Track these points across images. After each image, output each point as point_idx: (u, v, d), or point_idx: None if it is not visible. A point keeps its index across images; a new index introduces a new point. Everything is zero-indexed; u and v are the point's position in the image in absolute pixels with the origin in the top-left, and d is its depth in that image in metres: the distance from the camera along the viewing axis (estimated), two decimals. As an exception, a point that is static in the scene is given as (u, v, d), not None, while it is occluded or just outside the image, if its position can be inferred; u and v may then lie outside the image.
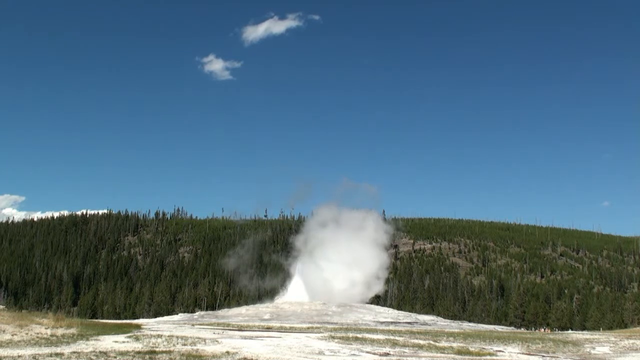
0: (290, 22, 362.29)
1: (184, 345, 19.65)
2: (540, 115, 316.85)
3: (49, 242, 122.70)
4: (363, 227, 74.93)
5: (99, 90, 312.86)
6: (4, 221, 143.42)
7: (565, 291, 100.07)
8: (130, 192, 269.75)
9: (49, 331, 20.70)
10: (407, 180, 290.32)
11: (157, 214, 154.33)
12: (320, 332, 29.70)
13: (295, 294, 66.37)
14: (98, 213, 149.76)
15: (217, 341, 21.57)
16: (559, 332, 50.11)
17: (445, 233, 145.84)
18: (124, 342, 19.84)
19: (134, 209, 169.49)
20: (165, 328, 29.06)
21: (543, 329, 61.03)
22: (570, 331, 52.37)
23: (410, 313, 61.44)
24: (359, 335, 27.55)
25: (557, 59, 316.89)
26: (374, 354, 20.33)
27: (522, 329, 63.81)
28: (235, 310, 57.17)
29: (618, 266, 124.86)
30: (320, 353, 19.75)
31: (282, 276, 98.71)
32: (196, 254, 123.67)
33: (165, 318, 55.63)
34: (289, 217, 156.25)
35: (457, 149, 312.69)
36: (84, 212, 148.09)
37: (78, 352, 16.11)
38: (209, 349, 18.71)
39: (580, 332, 49.34)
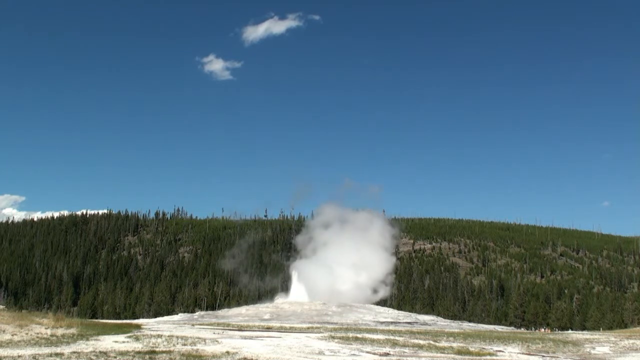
0: (290, 22, 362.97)
1: (184, 345, 19.65)
2: (540, 115, 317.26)
3: (49, 242, 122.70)
4: (369, 229, 74.26)
5: (99, 90, 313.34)
6: (4, 221, 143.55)
7: (565, 291, 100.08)
8: (130, 192, 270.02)
9: (49, 331, 20.70)
10: (407, 180, 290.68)
11: (157, 214, 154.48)
12: (320, 332, 29.70)
13: (296, 294, 66.18)
14: (98, 213, 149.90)
15: (217, 341, 21.57)
16: (559, 332, 50.11)
17: (445, 233, 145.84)
18: (124, 342, 19.84)
19: (134, 209, 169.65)
20: (165, 328, 29.06)
21: (543, 329, 61.03)
22: (570, 331, 52.37)
23: (410, 313, 61.42)
24: (359, 335, 27.54)
25: (557, 59, 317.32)
26: (374, 354, 20.33)
27: (522, 329, 63.81)
28: (235, 310, 57.17)
29: (618, 266, 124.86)
30: (320, 353, 19.75)
31: (282, 276, 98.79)
32: (196, 254, 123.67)
33: (165, 318, 55.63)
34: (289, 217, 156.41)
35: (457, 149, 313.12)
36: (84, 212, 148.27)
37: (78, 352, 16.10)
38: (209, 349, 18.71)
39: (580, 332, 49.34)
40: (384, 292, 72.54)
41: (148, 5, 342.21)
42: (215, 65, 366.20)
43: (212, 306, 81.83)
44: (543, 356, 24.14)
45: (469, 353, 22.49)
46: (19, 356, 15.10)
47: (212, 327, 32.29)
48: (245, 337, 24.47)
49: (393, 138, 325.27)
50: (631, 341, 31.74)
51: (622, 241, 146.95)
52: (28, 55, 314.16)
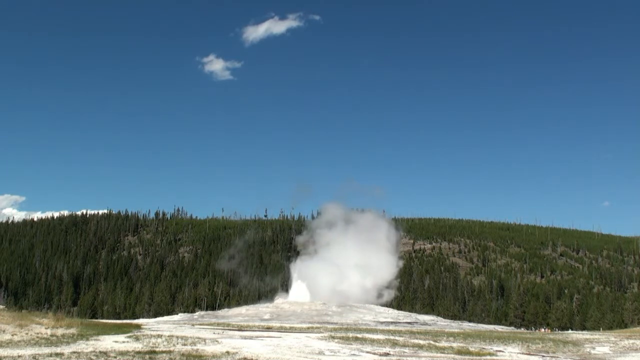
0: (290, 22, 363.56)
1: (184, 345, 19.65)
2: (540, 115, 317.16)
3: (49, 242, 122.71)
4: (374, 231, 73.36)
5: (99, 90, 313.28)
6: (4, 221, 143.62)
7: (565, 291, 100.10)
8: (130, 192, 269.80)
9: (49, 331, 20.70)
10: (407, 180, 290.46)
11: (157, 214, 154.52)
12: (320, 332, 29.70)
13: (297, 294, 66.02)
14: (98, 213, 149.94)
15: (217, 341, 21.57)
16: (559, 332, 50.10)
17: (445, 233, 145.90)
18: (124, 342, 19.84)
19: (134, 209, 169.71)
20: (165, 328, 29.06)
21: (543, 329, 61.02)
22: (570, 331, 52.36)
23: (410, 313, 61.40)
24: (359, 335, 27.54)
25: (557, 59, 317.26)
26: (374, 354, 20.33)
27: (522, 329, 63.78)
28: (235, 310, 57.17)
29: (618, 266, 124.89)
30: (320, 353, 19.75)
31: (282, 276, 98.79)
32: (196, 254, 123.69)
33: (165, 318, 55.63)
34: (289, 217, 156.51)
35: (457, 149, 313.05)
36: (84, 212, 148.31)
37: (78, 352, 16.10)
38: (209, 349, 18.71)
39: (580, 332, 49.34)
40: (387, 296, 71.94)
41: (148, 5, 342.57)
42: (216, 65, 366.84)
43: (212, 306, 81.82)
44: (543, 356, 24.14)
45: (469, 353, 22.49)
46: (19, 356, 15.10)
47: (212, 327, 32.29)
48: (245, 337, 24.47)
49: (393, 138, 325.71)
50: (631, 341, 31.74)
51: (622, 241, 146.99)
52: (28, 55, 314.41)
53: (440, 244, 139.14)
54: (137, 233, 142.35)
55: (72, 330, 21.65)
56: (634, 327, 57.25)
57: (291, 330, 32.11)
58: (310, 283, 66.61)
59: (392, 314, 56.18)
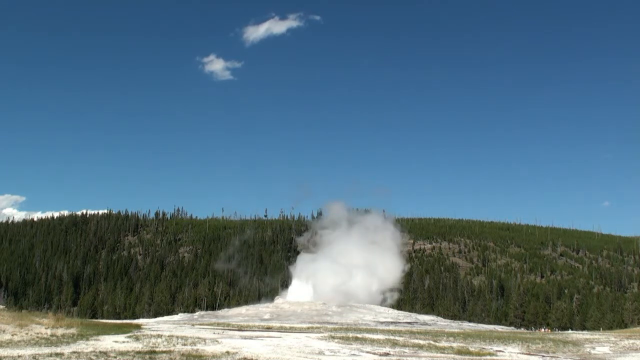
0: (291, 22, 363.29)
1: (184, 345, 19.65)
2: (540, 115, 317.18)
3: (49, 242, 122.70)
4: (379, 232, 72.50)
5: (99, 90, 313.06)
6: (4, 221, 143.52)
7: (565, 291, 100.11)
8: (130, 192, 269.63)
9: (49, 331, 20.70)
10: (407, 180, 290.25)
11: (157, 214, 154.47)
12: (320, 332, 29.70)
13: (297, 294, 65.81)
14: (98, 213, 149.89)
15: (217, 341, 21.57)
16: (559, 332, 50.09)
17: (445, 233, 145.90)
18: (124, 342, 19.84)
19: (134, 209, 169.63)
20: (165, 328, 29.06)
21: (543, 329, 61.01)
22: (570, 331, 52.36)
23: (410, 313, 61.37)
24: (359, 335, 27.54)
25: (557, 59, 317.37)
26: (374, 354, 20.33)
27: (522, 329, 63.78)
28: (235, 310, 57.16)
29: (618, 266, 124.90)
30: (320, 353, 19.75)
31: (282, 276, 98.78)
32: (196, 254, 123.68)
33: (165, 318, 55.63)
34: (289, 217, 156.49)
35: (457, 149, 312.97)
36: (84, 212, 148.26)
37: (78, 352, 16.10)
38: (209, 349, 18.71)
39: (580, 332, 49.34)
40: (391, 299, 71.43)
41: (148, 5, 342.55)
42: (216, 65, 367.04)
43: (212, 306, 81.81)
44: (543, 356, 24.14)
45: (469, 353, 22.49)
46: (19, 356, 15.10)
47: (212, 327, 32.29)
48: (245, 337, 24.47)
49: (393, 138, 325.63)
50: (631, 341, 31.74)
51: (622, 241, 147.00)
52: (28, 55, 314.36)
53: (440, 244, 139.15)
54: (137, 233, 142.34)
55: (72, 330, 21.65)
56: (634, 327, 57.25)
57: (291, 330, 32.12)
58: (311, 283, 66.43)
59: (392, 314, 56.17)
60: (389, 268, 69.61)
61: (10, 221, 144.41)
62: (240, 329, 31.63)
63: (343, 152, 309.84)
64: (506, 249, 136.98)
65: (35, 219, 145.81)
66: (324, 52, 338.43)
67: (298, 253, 77.40)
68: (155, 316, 66.18)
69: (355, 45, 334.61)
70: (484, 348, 25.54)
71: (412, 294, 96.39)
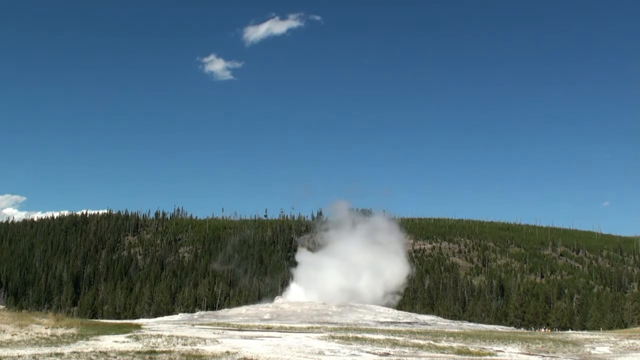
0: (291, 23, 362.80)
1: (184, 345, 19.65)
2: (540, 115, 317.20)
3: (49, 242, 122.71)
4: (384, 233, 71.58)
5: (99, 90, 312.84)
6: (4, 221, 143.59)
7: (565, 291, 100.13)
8: (130, 192, 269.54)
9: (49, 331, 20.70)
10: (406, 180, 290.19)
11: (157, 214, 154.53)
12: (320, 332, 29.70)
13: (298, 294, 65.64)
14: (98, 213, 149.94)
15: (217, 341, 21.57)
16: (559, 332, 50.08)
17: (445, 233, 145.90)
18: (124, 342, 19.84)
19: (134, 209, 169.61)
20: (165, 328, 29.06)
21: (543, 329, 61.01)
22: (570, 331, 52.36)
23: (410, 313, 61.32)
24: (359, 335, 27.54)
25: (558, 59, 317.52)
26: (374, 354, 20.33)
27: (522, 329, 63.77)
28: (235, 310, 57.13)
29: (618, 266, 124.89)
30: (320, 353, 19.75)
31: (282, 276, 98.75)
32: (196, 254, 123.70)
33: (165, 318, 55.62)
34: (289, 217, 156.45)
35: (457, 149, 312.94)
36: (84, 212, 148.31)
37: (78, 352, 16.11)
38: (209, 349, 18.71)
39: (580, 332, 49.33)
40: (395, 301, 70.91)
41: (148, 5, 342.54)
42: (216, 65, 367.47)
43: (212, 306, 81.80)
44: (543, 356, 24.13)
45: (469, 353, 22.49)
46: (19, 356, 15.10)
47: (212, 327, 32.29)
48: (245, 337, 24.47)
49: (393, 138, 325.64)
50: (631, 341, 31.74)
51: (622, 241, 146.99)
52: (28, 55, 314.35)
53: (440, 244, 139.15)
54: (137, 233, 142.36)
55: (72, 330, 21.65)
56: (634, 327, 57.25)
57: (291, 330, 32.11)
58: (313, 283, 66.18)
59: (392, 314, 56.13)
60: (394, 272, 68.84)
61: (10, 221, 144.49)
62: (240, 329, 31.64)
63: (343, 152, 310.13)
64: (506, 249, 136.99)
65: (35, 219, 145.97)
66: (324, 52, 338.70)
67: (301, 252, 75.79)
68: (155, 316, 66.16)
69: (355, 45, 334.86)
70: (484, 348, 25.54)
71: (412, 294, 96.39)
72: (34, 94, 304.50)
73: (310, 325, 38.32)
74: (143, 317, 66.73)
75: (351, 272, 66.05)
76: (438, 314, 68.03)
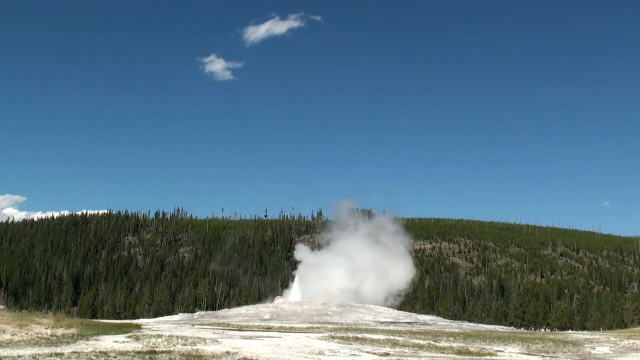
0: (291, 23, 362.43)
1: (184, 345, 19.65)
2: (540, 115, 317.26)
3: (49, 242, 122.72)
4: (388, 234, 71.14)
5: (99, 90, 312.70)
6: (4, 221, 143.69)
7: (565, 291, 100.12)
8: (130, 192, 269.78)
9: (49, 331, 20.70)
10: (406, 179, 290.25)
11: (157, 214, 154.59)
12: (320, 332, 29.70)
13: (297, 294, 65.47)
14: (98, 213, 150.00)
15: (217, 341, 21.57)
16: (559, 332, 50.09)
17: (445, 233, 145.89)
18: (124, 342, 19.84)
19: (134, 209, 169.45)
20: (165, 328, 29.06)
21: (543, 329, 61.00)
22: (570, 331, 52.35)
23: (410, 313, 61.26)
24: (359, 335, 27.54)
25: (557, 59, 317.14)
26: (374, 354, 20.32)
27: (522, 329, 63.75)
28: (235, 310, 57.11)
29: (618, 266, 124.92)
30: (320, 353, 19.75)
31: (282, 276, 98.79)
32: (196, 254, 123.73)
33: (165, 318, 55.62)
34: (289, 217, 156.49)
35: (457, 149, 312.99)
36: (84, 212, 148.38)
37: (78, 352, 16.10)
38: (209, 349, 18.71)
39: (580, 332, 49.33)
40: (396, 302, 70.60)
41: (148, 5, 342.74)
42: (216, 66, 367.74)
43: (212, 306, 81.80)
44: (543, 356, 24.13)
45: (469, 353, 22.49)
46: (19, 356, 15.10)
47: (212, 327, 32.29)
48: (245, 337, 24.47)
49: (393, 138, 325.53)
50: (631, 341, 31.74)
51: (622, 241, 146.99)
52: (28, 55, 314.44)
53: (440, 244, 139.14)
54: (137, 233, 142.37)
55: (72, 330, 21.65)
56: (634, 327, 57.24)
57: (291, 330, 32.11)
58: (312, 283, 66.01)
59: (392, 314, 56.10)
60: (399, 275, 68.45)
61: (10, 221, 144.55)
62: (240, 329, 31.63)
63: (343, 152, 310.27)
64: (506, 249, 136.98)
65: (35, 219, 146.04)
66: (324, 52, 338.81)
67: (302, 252, 74.84)
68: (155, 316, 66.15)
69: (356, 45, 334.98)
70: (484, 348, 25.53)
71: (412, 294, 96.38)
72: (34, 94, 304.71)
73: (310, 325, 38.32)
74: (143, 317, 66.73)
75: (354, 272, 65.81)
76: (438, 314, 67.98)
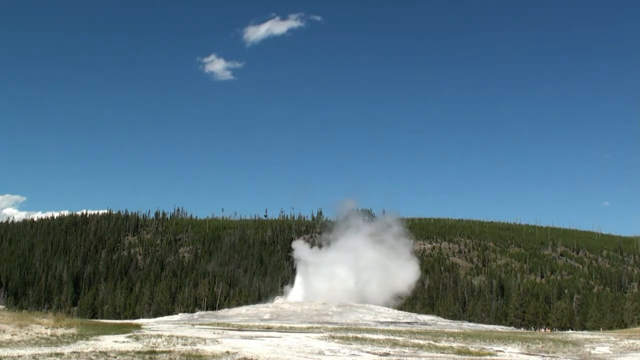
0: (291, 23, 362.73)
1: (184, 345, 19.64)
2: (540, 115, 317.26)
3: (49, 242, 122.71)
4: (392, 235, 70.58)
5: (99, 90, 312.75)
6: (4, 221, 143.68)
7: (565, 291, 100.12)
8: (130, 192, 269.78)
9: (49, 331, 20.70)
10: (406, 180, 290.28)
11: (157, 214, 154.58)
12: (320, 332, 29.70)
13: (298, 294, 65.38)
14: (98, 213, 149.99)
15: (217, 341, 21.57)
16: (559, 332, 50.08)
17: (445, 233, 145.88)
18: (124, 342, 19.84)
19: (134, 209, 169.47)
20: (165, 328, 29.05)
21: (543, 329, 60.99)
22: (570, 331, 52.35)
23: (410, 313, 61.22)
24: (359, 335, 27.54)
25: (557, 58, 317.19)
26: (374, 354, 20.32)
27: (522, 329, 63.75)
28: (235, 310, 57.10)
29: (618, 266, 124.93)
30: (320, 353, 19.75)
31: (282, 276, 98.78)
32: (196, 254, 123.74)
33: (165, 318, 55.61)
34: (289, 217, 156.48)
35: (457, 148, 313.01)
36: (84, 212, 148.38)
37: (78, 352, 16.10)
38: (209, 349, 18.70)
39: (580, 332, 49.32)
40: (397, 302, 70.38)
41: (148, 5, 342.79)
42: (217, 66, 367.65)
43: (212, 306, 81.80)
44: (543, 356, 24.13)
45: (469, 353, 22.48)
46: (19, 356, 15.10)
47: (212, 327, 32.29)
48: (245, 337, 24.46)
49: (393, 138, 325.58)
50: (631, 341, 31.74)
51: (622, 241, 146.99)
52: (28, 55, 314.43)
53: (440, 244, 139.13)
54: (137, 233, 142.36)
55: (72, 330, 21.65)
56: (634, 327, 57.24)
57: (291, 330, 32.11)
58: (312, 283, 65.97)
59: (392, 314, 56.08)
60: (405, 277, 68.18)
61: (10, 221, 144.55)
62: (240, 329, 31.63)
63: (343, 152, 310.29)
64: (506, 249, 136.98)
65: (35, 219, 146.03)
66: (324, 52, 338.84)
67: (303, 251, 74.32)
68: (155, 316, 66.14)
69: (356, 45, 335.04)
70: (484, 348, 25.53)
71: (412, 294, 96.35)
72: (34, 94, 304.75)
73: (310, 325, 38.32)
74: (143, 317, 66.72)
75: (357, 273, 65.63)
76: (438, 314, 67.94)
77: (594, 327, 65.15)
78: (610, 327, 62.21)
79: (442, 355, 21.45)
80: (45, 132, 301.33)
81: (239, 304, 72.38)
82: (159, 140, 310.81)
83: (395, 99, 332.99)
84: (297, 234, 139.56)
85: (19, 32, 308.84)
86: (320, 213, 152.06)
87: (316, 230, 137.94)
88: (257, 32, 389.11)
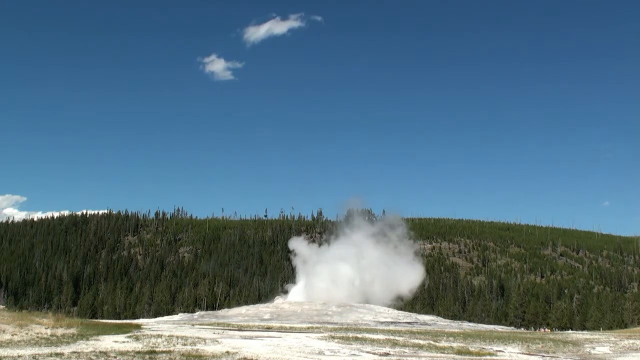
0: (292, 23, 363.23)
1: (184, 345, 19.64)
2: (540, 115, 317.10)
3: (49, 242, 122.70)
4: (397, 238, 70.07)
5: (100, 90, 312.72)
6: (4, 221, 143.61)
7: (565, 291, 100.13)
8: (130, 192, 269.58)
9: (49, 331, 20.70)
10: (406, 180, 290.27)
11: (157, 214, 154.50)
12: (320, 332, 29.70)
13: (298, 294, 65.29)
14: (98, 213, 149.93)
15: (217, 341, 21.57)
16: (559, 332, 50.08)
17: (445, 233, 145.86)
18: (124, 342, 19.84)
19: (134, 209, 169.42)
20: (165, 328, 29.05)
21: (543, 329, 60.98)
22: (570, 331, 52.34)
23: (410, 313, 61.19)
24: (359, 335, 27.54)
25: (557, 58, 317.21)
26: (374, 354, 20.32)
27: (522, 329, 63.72)
28: (235, 310, 57.07)
29: (618, 266, 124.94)
30: (320, 353, 19.75)
31: (282, 276, 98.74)
32: (196, 254, 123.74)
33: (165, 318, 55.60)
34: (289, 217, 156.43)
35: (457, 148, 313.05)
36: (84, 212, 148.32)
37: (78, 352, 16.10)
38: (209, 349, 18.70)
39: (580, 332, 49.33)
40: (399, 304, 70.09)
41: (148, 5, 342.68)
42: (217, 66, 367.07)
43: (212, 306, 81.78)
44: (543, 356, 24.13)
45: (469, 353, 22.48)
46: (19, 356, 15.10)
47: (212, 327, 32.29)
48: (245, 337, 24.47)
49: (393, 138, 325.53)
50: (631, 341, 31.74)
51: (622, 241, 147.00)
52: (28, 55, 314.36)
53: (440, 244, 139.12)
54: (137, 233, 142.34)
55: (72, 330, 21.65)
56: (634, 327, 57.24)
57: (291, 330, 32.11)
58: (312, 283, 65.80)
59: (392, 314, 56.05)
60: (409, 279, 67.92)
61: (10, 221, 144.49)
62: (240, 329, 31.63)
63: (343, 152, 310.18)
64: (506, 249, 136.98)
65: (35, 219, 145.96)
66: (324, 52, 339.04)
67: (304, 251, 74.01)
68: (155, 316, 66.12)
69: (356, 45, 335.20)
70: (484, 348, 25.53)
71: (412, 294, 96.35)
72: (34, 93, 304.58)
73: (310, 325, 38.32)
74: (143, 317, 66.71)
75: (361, 274, 65.45)
76: (438, 314, 67.90)
77: (594, 327, 65.14)
78: (610, 327, 62.20)
79: (442, 355, 21.45)
80: (46, 132, 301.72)
81: (239, 304, 72.36)
82: (159, 140, 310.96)
83: (395, 99, 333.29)
84: (297, 234, 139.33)
85: (20, 32, 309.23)
86: (320, 213, 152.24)
87: (316, 230, 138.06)
88: (257, 32, 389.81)
